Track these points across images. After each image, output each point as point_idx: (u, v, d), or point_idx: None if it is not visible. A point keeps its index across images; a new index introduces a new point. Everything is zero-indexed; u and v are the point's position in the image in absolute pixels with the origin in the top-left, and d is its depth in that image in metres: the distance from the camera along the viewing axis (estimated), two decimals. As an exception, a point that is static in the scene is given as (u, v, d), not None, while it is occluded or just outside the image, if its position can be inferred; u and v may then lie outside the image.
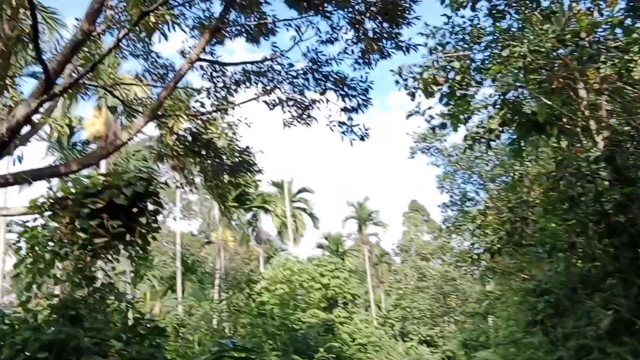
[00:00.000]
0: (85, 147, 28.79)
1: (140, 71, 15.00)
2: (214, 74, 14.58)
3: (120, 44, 13.96)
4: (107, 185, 8.24)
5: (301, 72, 13.85)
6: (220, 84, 14.91)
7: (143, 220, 8.18)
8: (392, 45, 13.14)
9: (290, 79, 14.05)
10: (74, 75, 11.36)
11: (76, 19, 8.43)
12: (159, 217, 8.73)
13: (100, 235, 7.83)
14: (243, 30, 14.68)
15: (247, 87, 14.76)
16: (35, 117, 9.04)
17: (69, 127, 27.25)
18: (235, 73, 14.72)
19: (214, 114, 14.43)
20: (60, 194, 8.26)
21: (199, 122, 12.95)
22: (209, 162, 15.01)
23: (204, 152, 14.90)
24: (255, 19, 13.19)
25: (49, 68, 7.08)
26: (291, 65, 14.12)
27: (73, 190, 8.26)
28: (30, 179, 9.06)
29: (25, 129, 10.65)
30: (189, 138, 14.55)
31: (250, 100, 13.59)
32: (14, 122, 7.17)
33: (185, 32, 13.35)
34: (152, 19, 8.42)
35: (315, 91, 14.29)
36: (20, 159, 8.73)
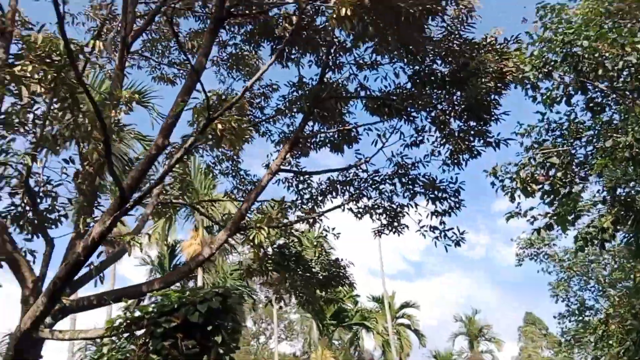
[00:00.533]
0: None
1: (230, 188, 15.30)
2: (300, 185, 14.50)
3: (210, 164, 14.48)
4: (182, 303, 7.83)
5: (387, 177, 13.40)
6: (307, 195, 14.79)
7: (219, 339, 7.60)
8: (481, 142, 12.48)
9: (377, 185, 13.61)
10: (164, 193, 11.59)
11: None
12: (238, 336, 8.11)
13: (174, 356, 7.32)
14: (327, 140, 14.72)
15: (334, 197, 14.49)
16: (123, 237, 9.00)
17: (169, 248, 28.15)
18: (320, 183, 14.58)
19: (300, 225, 14.11)
20: (137, 314, 7.94)
21: (285, 234, 12.60)
22: (299, 276, 14.48)
23: (293, 266, 14.46)
24: (337, 128, 13.08)
25: (123, 184, 7.03)
26: (377, 171, 13.79)
27: (150, 309, 7.91)
28: (113, 300, 8.90)
29: (114, 250, 10.76)
30: (277, 252, 14.26)
31: (335, 208, 13.22)
32: (89, 240, 7.07)
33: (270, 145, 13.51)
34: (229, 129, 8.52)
35: (404, 196, 13.73)
36: (101, 279, 8.60)
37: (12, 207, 8.62)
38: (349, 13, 7.98)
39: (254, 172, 14.92)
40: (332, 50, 13.30)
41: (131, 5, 11.41)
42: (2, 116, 7.83)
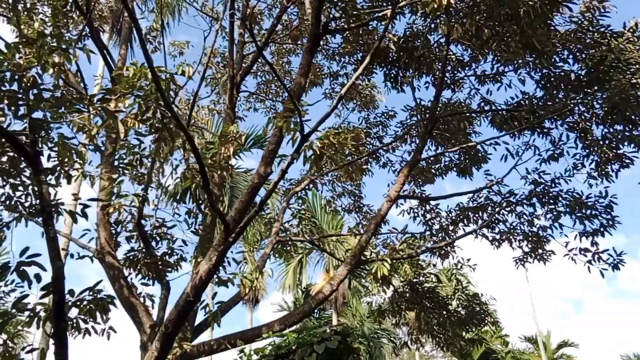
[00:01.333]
0: (321, 312, 29.04)
1: (354, 224, 14.65)
2: (427, 215, 13.47)
3: (330, 199, 13.95)
4: (300, 344, 7.17)
5: (524, 198, 11.97)
6: (436, 226, 13.70)
7: (339, 382, 6.80)
8: (632, 148, 10.73)
9: (512, 208, 12.21)
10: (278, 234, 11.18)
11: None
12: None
13: (292, 404, 6.65)
14: (452, 164, 13.63)
15: (466, 225, 13.25)
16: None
17: (303, 292, 27.90)
18: (449, 211, 13.42)
19: (432, 259, 13.04)
20: (254, 357, 7.40)
21: (414, 267, 11.59)
22: (435, 315, 13.30)
23: (427, 304, 13.33)
24: (460, 146, 12.00)
25: (226, 218, 6.61)
26: (511, 192, 12.39)
27: (267, 352, 7.33)
28: (231, 345, 8.48)
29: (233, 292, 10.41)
30: (409, 289, 13.27)
31: (467, 234, 11.99)
32: (196, 279, 6.69)
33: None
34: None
35: (546, 218, 12.17)
36: (217, 322, 8.19)
37: (131, 252, 8.59)
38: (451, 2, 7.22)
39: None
40: (448, 67, 12.40)
41: (238, 44, 11.43)
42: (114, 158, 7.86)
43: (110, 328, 6.95)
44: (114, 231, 8.50)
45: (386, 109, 14.50)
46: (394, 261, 10.04)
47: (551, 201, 11.88)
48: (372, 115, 14.79)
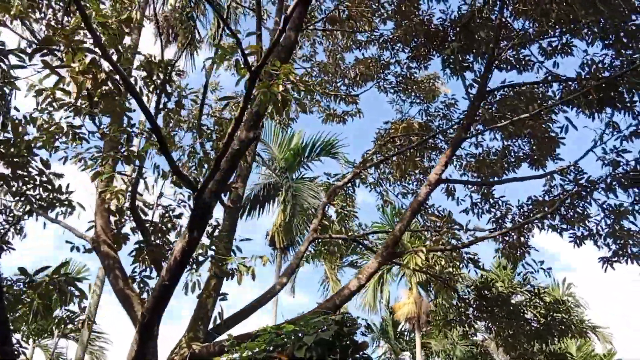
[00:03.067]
0: (408, 334, 27.33)
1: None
2: (494, 210, 11.87)
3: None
4: (294, 337, 6.15)
5: (599, 180, 10.16)
6: (508, 224, 12.03)
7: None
8: None
9: (588, 194, 10.39)
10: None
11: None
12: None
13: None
14: (522, 155, 12.02)
15: (539, 221, 11.49)
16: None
17: (390, 312, 26.44)
18: (521, 205, 11.72)
19: (499, 259, 11.43)
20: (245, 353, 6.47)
21: (452, 259, 10.10)
22: (507, 324, 11.60)
23: (498, 312, 11.66)
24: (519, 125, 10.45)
25: (196, 186, 5.80)
26: (591, 181, 10.56)
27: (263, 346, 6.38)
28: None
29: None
30: (476, 295, 11.69)
31: (526, 223, 10.30)
32: (171, 261, 5.91)
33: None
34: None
35: (633, 207, 10.21)
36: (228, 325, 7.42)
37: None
38: None
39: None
40: (508, 44, 11.00)
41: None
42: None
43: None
44: (112, 221, 7.98)
45: (445, 98, 13.25)
46: (433, 253, 8.70)
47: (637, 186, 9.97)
48: (433, 108, 13.54)
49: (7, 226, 8.73)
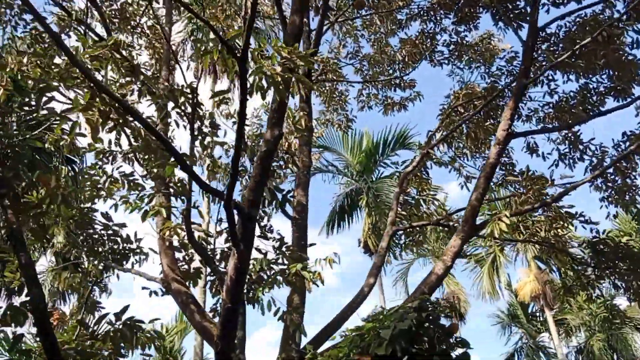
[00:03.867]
0: (540, 314, 25.43)
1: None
2: (585, 157, 10.67)
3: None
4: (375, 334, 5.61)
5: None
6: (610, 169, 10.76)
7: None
8: None
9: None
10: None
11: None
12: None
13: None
14: (605, 92, 10.79)
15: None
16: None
17: (513, 293, 24.89)
18: (617, 144, 10.45)
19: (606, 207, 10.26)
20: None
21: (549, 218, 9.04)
22: (632, 275, 10.32)
23: (619, 264, 10.42)
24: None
25: (233, 201, 5.48)
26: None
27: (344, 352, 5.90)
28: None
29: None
30: (588, 251, 10.53)
31: (621, 158, 9.07)
32: (228, 281, 5.60)
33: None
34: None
35: None
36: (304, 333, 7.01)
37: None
38: None
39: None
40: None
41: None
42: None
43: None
44: (181, 257, 7.84)
45: (505, 53, 12.24)
46: (519, 216, 7.81)
47: None
48: (495, 67, 12.56)
49: (90, 285, 8.85)
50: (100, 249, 8.49)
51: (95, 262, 8.75)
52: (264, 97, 4.43)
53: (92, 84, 4.86)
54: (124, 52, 5.62)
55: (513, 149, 11.80)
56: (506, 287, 25.04)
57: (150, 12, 10.24)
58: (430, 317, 5.32)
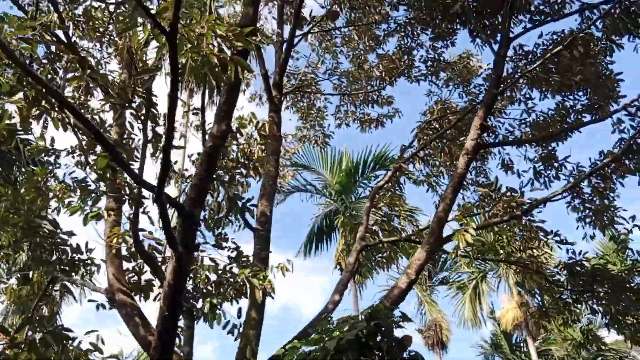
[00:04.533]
0: (524, 345, 24.86)
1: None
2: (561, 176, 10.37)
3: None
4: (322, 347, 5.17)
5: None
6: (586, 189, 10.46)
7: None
8: None
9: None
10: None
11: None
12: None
13: None
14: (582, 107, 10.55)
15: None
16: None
17: (496, 321, 24.38)
18: (594, 164, 10.18)
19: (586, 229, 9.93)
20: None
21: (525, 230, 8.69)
22: (609, 299, 9.94)
23: (596, 287, 10.05)
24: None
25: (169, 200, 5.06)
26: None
27: None
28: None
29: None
30: (564, 274, 10.17)
31: (593, 172, 8.78)
32: (165, 287, 5.17)
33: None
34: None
35: None
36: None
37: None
38: None
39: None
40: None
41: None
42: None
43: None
44: (131, 267, 7.38)
45: (485, 72, 12.04)
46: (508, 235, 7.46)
47: None
48: (473, 86, 12.34)
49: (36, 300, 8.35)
50: (47, 259, 8.05)
51: (42, 273, 8.30)
52: (197, 80, 4.07)
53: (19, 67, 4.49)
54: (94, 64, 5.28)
55: (490, 169, 11.59)
56: (489, 315, 24.57)
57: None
58: (383, 328, 4.91)
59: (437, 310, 24.43)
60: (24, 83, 4.60)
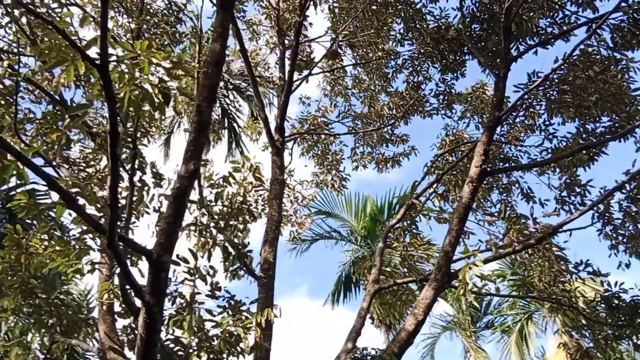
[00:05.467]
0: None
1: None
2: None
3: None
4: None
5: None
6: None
7: None
8: None
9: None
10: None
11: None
12: None
13: None
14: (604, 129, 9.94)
15: None
16: None
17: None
18: (625, 185, 9.47)
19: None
20: None
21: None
22: None
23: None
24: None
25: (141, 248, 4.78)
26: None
27: None
28: None
29: None
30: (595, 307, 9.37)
31: (614, 191, 8.09)
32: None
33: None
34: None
35: None
36: None
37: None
38: None
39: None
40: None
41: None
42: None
43: None
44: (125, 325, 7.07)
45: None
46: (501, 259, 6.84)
47: None
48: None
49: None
50: (48, 321, 7.85)
51: (44, 337, 8.10)
52: (137, 112, 3.84)
53: None
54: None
55: (516, 202, 10.97)
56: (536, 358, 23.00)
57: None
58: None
59: (483, 358, 23.09)
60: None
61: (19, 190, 6.33)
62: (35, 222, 7.74)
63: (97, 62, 3.68)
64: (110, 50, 3.89)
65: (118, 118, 7.13)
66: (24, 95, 8.37)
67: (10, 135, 5.96)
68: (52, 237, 6.72)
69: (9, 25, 7.55)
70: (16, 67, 5.28)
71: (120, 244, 4.55)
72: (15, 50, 6.74)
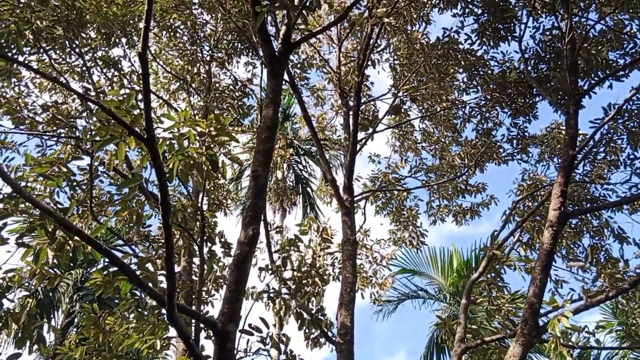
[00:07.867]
0: None
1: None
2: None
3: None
4: None
5: None
6: None
7: None
8: None
9: None
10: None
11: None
12: None
13: None
14: None
15: None
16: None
17: None
18: None
19: None
20: None
21: None
22: None
23: None
24: None
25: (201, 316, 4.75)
26: None
27: None
28: None
29: None
30: None
31: None
32: None
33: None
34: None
35: None
36: None
37: None
38: None
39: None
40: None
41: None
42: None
43: None
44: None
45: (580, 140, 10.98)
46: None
47: None
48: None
49: None
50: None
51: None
52: (185, 182, 3.88)
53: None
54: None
55: (611, 247, 10.18)
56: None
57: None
58: None
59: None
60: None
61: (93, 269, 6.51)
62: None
63: (143, 135, 3.78)
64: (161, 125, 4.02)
65: (185, 192, 7.34)
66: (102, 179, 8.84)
67: (83, 218, 6.24)
68: (131, 313, 6.86)
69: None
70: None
71: (182, 315, 4.53)
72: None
